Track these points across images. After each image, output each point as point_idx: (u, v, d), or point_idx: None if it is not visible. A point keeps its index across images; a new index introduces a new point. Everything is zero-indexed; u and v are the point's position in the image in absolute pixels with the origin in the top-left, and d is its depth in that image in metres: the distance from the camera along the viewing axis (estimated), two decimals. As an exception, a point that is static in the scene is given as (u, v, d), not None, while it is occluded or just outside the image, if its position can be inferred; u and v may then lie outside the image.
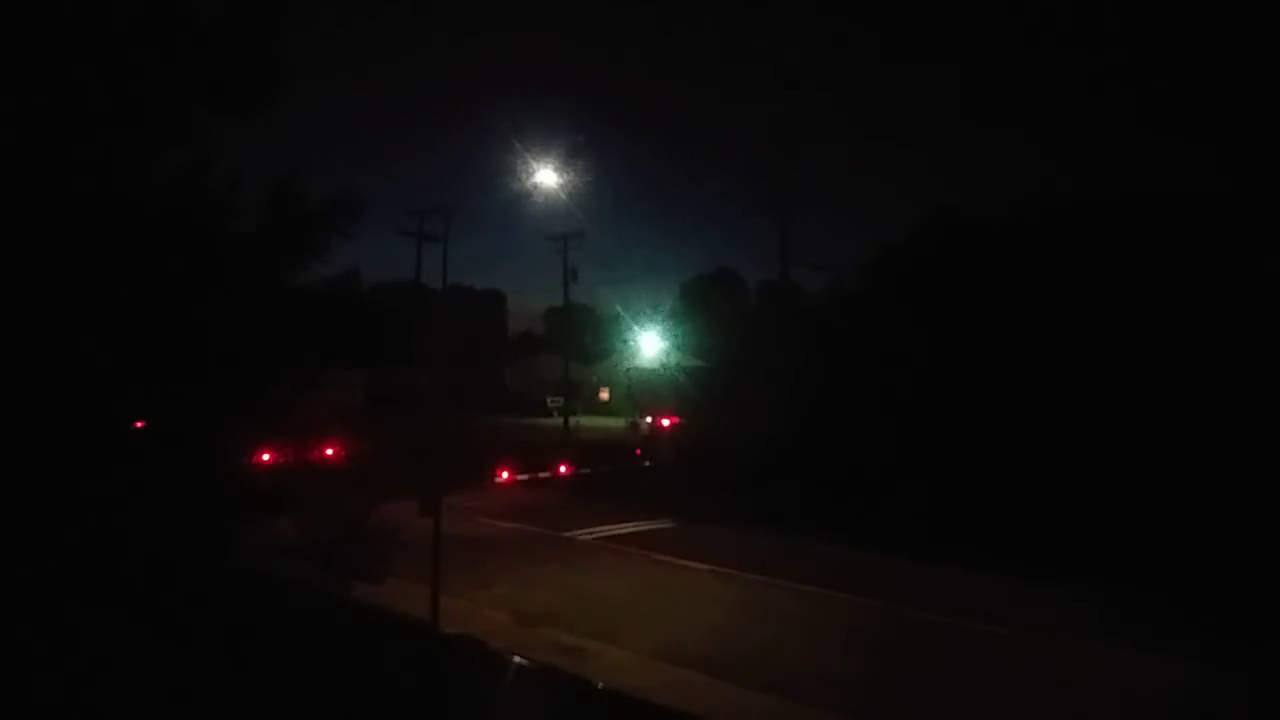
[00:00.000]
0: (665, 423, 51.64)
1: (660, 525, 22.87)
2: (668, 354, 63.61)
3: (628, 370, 62.17)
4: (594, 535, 21.65)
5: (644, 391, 44.02)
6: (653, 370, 48.20)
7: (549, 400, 61.06)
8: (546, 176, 38.77)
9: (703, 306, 74.09)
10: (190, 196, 7.18)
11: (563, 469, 30.38)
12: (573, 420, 50.10)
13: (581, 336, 74.45)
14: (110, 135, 6.50)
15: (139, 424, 7.23)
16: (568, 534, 21.66)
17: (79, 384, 6.27)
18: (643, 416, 53.30)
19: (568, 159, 38.02)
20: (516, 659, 4.46)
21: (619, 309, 68.61)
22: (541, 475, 30.00)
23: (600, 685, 4.32)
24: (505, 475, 28.63)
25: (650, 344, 65.32)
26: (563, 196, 39.14)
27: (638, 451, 34.81)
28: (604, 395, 74.97)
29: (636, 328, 65.61)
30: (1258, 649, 12.98)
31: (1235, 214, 24.13)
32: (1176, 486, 18.85)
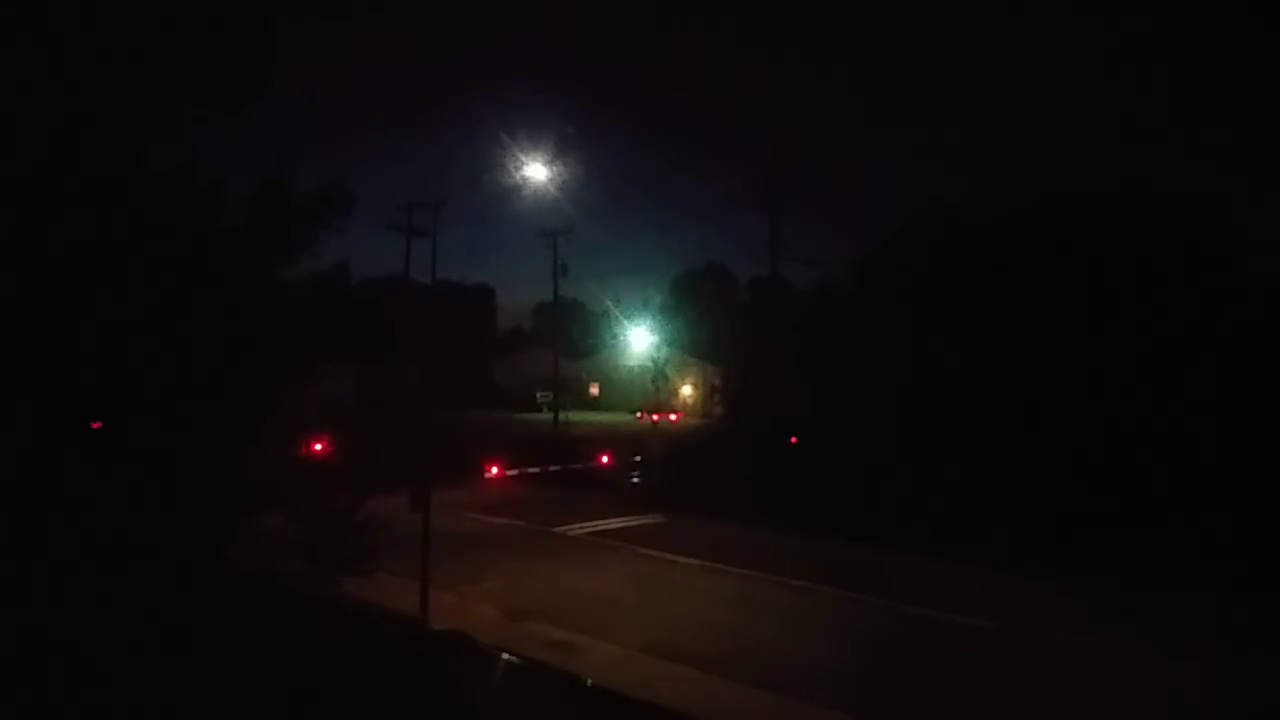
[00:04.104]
0: (654, 418, 51.73)
1: (650, 520, 22.88)
2: (657, 349, 63.72)
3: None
4: (583, 530, 21.64)
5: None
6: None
7: (538, 395, 60.94)
8: (536, 171, 38.65)
9: (693, 302, 74.16)
10: (176, 191, 7.13)
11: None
12: (563, 416, 50.04)
13: (571, 332, 74.37)
14: (94, 130, 6.45)
15: (126, 419, 7.18)
16: (557, 529, 21.65)
17: (66, 381, 6.23)
18: (645, 414, 53.35)
19: (557, 153, 37.94)
20: (505, 655, 4.45)
21: (609, 304, 68.69)
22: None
23: (589, 682, 4.31)
24: (495, 470, 28.56)
25: (640, 339, 65.42)
26: (553, 191, 39.05)
27: (793, 439, 33.94)
28: (594, 390, 74.97)
29: (626, 323, 65.73)
30: (1258, 648, 13.03)
31: (1232, 213, 24.27)
32: (1176, 483, 18.93)
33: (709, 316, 68.01)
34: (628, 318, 65.67)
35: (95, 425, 6.94)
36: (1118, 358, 21.62)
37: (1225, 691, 11.72)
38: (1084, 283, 22.91)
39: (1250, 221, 24.28)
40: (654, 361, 63.22)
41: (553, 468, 30.41)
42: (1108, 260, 22.80)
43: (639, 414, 55.27)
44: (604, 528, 21.90)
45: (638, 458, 30.81)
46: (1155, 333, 21.36)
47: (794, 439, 31.75)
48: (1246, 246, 23.47)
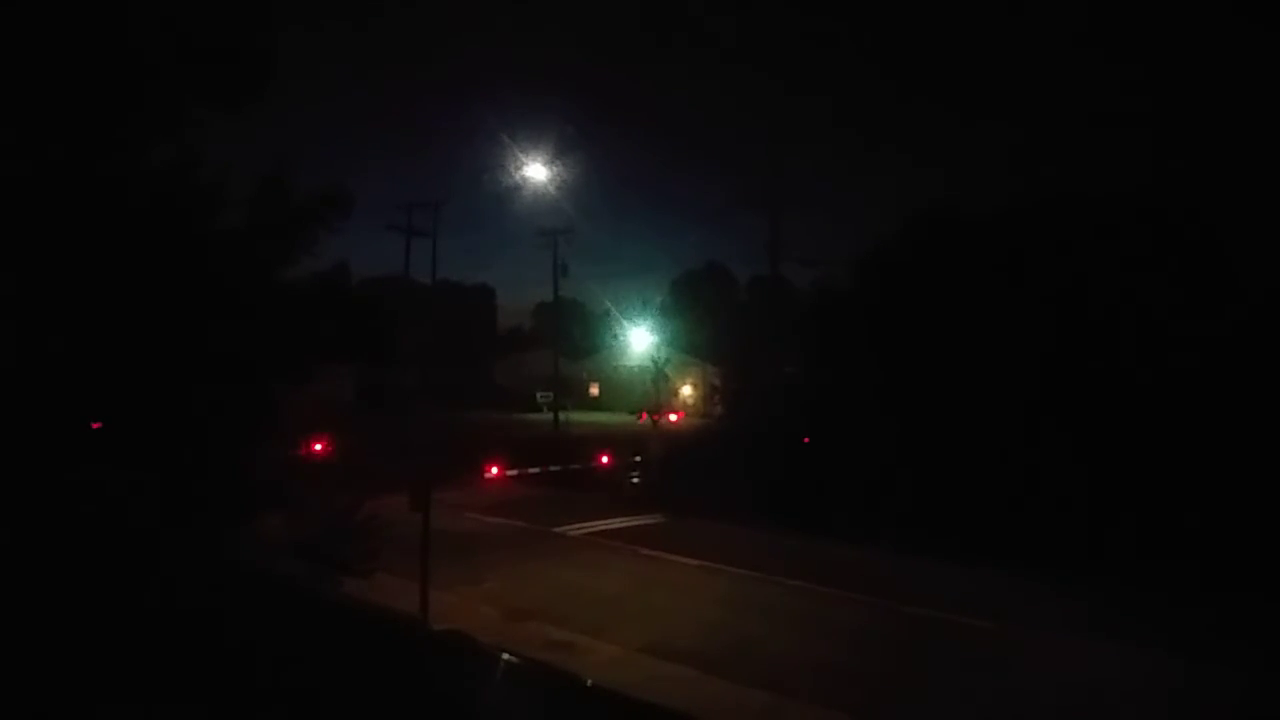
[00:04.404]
0: (673, 418, 51.65)
1: (649, 520, 22.89)
2: (658, 349, 63.73)
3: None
4: (583, 530, 21.65)
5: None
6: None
7: (539, 395, 60.97)
8: (536, 171, 38.76)
9: (693, 302, 74.19)
10: (178, 191, 7.14)
11: None
12: (563, 416, 50.05)
13: (571, 332, 74.37)
14: (97, 129, 6.46)
15: (129, 420, 7.20)
16: (557, 529, 21.66)
17: (67, 381, 6.23)
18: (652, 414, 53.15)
19: (557, 154, 38.05)
20: (505, 655, 4.45)
21: (609, 304, 68.75)
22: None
23: (590, 682, 4.32)
24: (495, 471, 28.57)
25: (640, 339, 65.42)
26: (552, 191, 39.17)
27: (805, 439, 32.92)
28: (594, 390, 74.95)
29: (626, 323, 65.75)
30: (1254, 646, 13.02)
31: (1224, 213, 24.30)
32: (1175, 483, 18.92)
33: (709, 317, 68.06)
34: (628, 318, 65.74)
35: (95, 425, 6.96)
36: (1116, 357, 21.64)
37: (1225, 691, 11.72)
38: (1082, 282, 22.94)
39: (1249, 222, 24.29)
40: (654, 362, 63.23)
41: (553, 468, 30.42)
42: (1105, 259, 22.82)
43: (641, 414, 55.05)
44: (604, 528, 21.90)
45: (638, 458, 30.82)
46: (1153, 333, 21.38)
47: (805, 439, 31.39)
48: (1243, 247, 23.51)
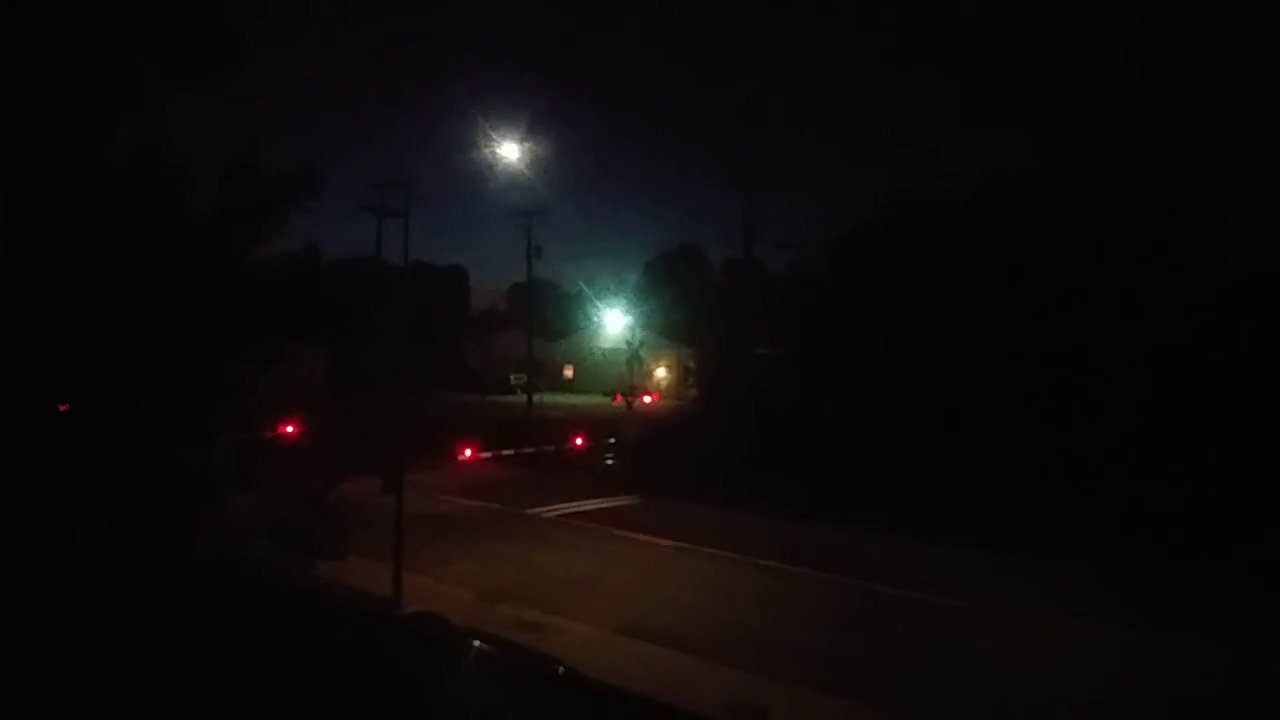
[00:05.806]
0: (647, 399, 51.69)
1: (623, 501, 22.95)
2: (632, 331, 63.74)
3: None
4: (557, 512, 21.66)
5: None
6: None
7: (512, 378, 60.84)
8: (510, 151, 38.40)
9: (668, 284, 74.19)
10: (144, 171, 7.03)
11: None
12: (536, 398, 49.94)
13: (545, 314, 74.14)
14: (60, 107, 6.33)
15: (94, 403, 7.09)
16: (530, 511, 21.66)
17: (31, 365, 6.13)
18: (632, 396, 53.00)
19: (531, 134, 37.70)
20: (478, 639, 4.45)
21: (583, 286, 68.67)
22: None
23: (562, 668, 4.33)
24: (468, 453, 28.45)
25: (614, 321, 65.41)
26: (527, 172, 38.82)
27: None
28: (568, 373, 74.90)
29: (601, 305, 65.75)
30: (1234, 625, 13.24)
31: (1200, 199, 24.57)
32: (1155, 464, 19.15)
33: (683, 299, 68.10)
34: (602, 300, 65.77)
35: (60, 408, 6.85)
36: (1091, 338, 21.87)
37: (1205, 669, 11.88)
38: (1056, 266, 23.13)
39: (1231, 210, 24.61)
40: (629, 344, 63.26)
41: (526, 449, 30.37)
42: (1080, 245, 23.02)
43: (624, 396, 54.82)
44: (578, 509, 21.93)
45: (612, 439, 30.82)
46: (1129, 316, 21.62)
47: (770, 420, 31.22)
48: (1220, 232, 23.83)
